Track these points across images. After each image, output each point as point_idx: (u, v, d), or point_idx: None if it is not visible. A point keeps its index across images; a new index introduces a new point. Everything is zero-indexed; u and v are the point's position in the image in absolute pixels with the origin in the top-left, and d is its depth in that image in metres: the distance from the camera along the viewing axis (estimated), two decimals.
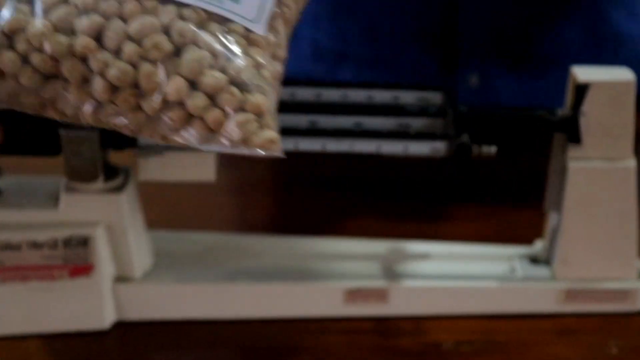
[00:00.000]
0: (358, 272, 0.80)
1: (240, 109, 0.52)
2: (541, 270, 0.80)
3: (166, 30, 0.53)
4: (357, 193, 0.97)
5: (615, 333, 0.76)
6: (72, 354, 0.74)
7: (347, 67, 1.10)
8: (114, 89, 0.52)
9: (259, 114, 0.52)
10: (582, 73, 0.74)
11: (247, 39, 0.54)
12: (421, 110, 0.76)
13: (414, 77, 1.07)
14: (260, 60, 0.54)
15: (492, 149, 0.74)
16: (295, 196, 0.96)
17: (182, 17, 0.53)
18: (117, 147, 0.73)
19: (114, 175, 0.75)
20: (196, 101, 0.52)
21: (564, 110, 0.75)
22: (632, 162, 0.75)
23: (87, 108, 0.53)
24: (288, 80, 0.76)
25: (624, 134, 0.74)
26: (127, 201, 0.75)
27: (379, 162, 1.01)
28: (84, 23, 0.52)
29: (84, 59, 0.52)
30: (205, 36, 0.53)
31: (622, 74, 0.74)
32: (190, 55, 0.52)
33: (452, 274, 0.80)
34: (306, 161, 1.00)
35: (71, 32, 0.52)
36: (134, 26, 0.52)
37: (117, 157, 0.75)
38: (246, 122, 0.52)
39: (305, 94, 0.78)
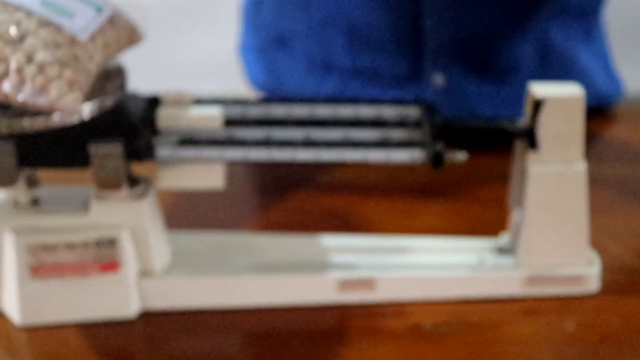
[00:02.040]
0: (349, 264, 0.80)
1: (58, 78, 0.65)
2: (507, 260, 0.80)
3: (18, 24, 0.66)
4: (348, 195, 0.97)
5: (571, 312, 0.77)
6: (103, 339, 0.74)
7: (334, 75, 1.11)
8: None
9: (70, 84, 0.66)
10: (539, 89, 0.74)
11: (72, 41, 0.67)
12: (401, 123, 0.77)
13: (389, 79, 1.08)
14: (79, 53, 0.67)
15: (463, 155, 0.74)
16: (293, 199, 0.96)
17: (30, 19, 0.66)
18: (139, 159, 0.73)
19: (136, 184, 0.75)
20: (30, 70, 0.65)
21: (523, 121, 0.75)
22: (582, 165, 0.75)
23: None
24: (285, 99, 0.78)
25: (576, 141, 0.75)
26: (148, 207, 0.75)
27: (368, 167, 1.01)
28: None
29: None
30: (43, 32, 0.66)
31: (573, 89, 0.74)
32: (30, 41, 0.65)
33: (430, 264, 0.80)
34: (302, 170, 1.00)
35: None
36: None
37: (138, 168, 0.76)
38: (60, 87, 0.65)
39: (300, 111, 0.78)
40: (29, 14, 0.67)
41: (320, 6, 1.07)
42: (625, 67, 1.25)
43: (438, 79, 1.07)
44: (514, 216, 0.80)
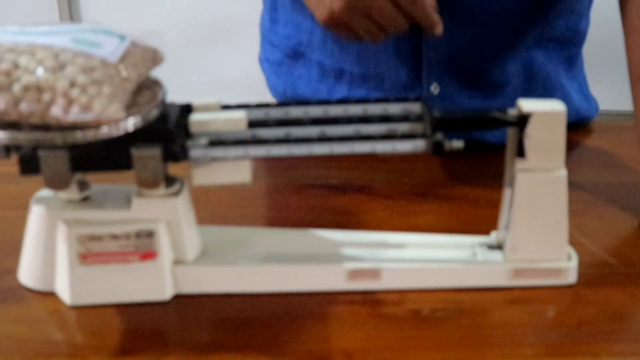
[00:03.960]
0: (357, 256, 0.80)
1: (99, 95, 0.67)
2: (496, 255, 0.80)
3: (56, 57, 0.67)
4: (357, 196, 0.97)
5: (551, 301, 0.77)
6: (141, 318, 0.75)
7: (344, 81, 1.12)
8: (25, 90, 0.66)
9: (110, 98, 0.67)
10: (526, 105, 0.74)
11: (105, 64, 0.69)
12: (405, 118, 0.76)
13: (392, 85, 1.08)
14: (112, 73, 0.69)
15: (460, 144, 0.74)
16: (307, 199, 0.97)
17: (65, 52, 0.68)
18: (175, 160, 0.73)
19: (172, 183, 0.76)
20: (74, 92, 0.66)
21: (512, 111, 0.75)
22: (563, 172, 0.75)
23: (9, 105, 0.67)
24: (303, 101, 0.78)
25: (558, 150, 0.75)
26: (182, 203, 0.76)
27: (375, 171, 1.03)
28: (6, 57, 0.67)
29: (7, 75, 0.67)
30: (79, 60, 0.68)
31: (556, 105, 0.74)
32: (70, 68, 0.67)
33: (429, 257, 0.81)
34: (315, 173, 1.01)
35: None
36: (37, 55, 0.68)
37: (174, 169, 0.76)
38: (102, 102, 0.66)
39: (316, 111, 0.78)
40: (64, 49, 0.69)
41: None
42: (600, 89, 1.26)
43: (434, 88, 1.07)
44: (503, 216, 0.80)
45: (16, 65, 0.67)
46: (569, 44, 1.12)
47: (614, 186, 0.99)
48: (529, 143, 0.75)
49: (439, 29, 0.90)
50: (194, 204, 0.80)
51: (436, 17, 0.91)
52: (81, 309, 0.76)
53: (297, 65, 1.17)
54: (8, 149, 0.72)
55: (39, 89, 0.67)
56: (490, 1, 1.03)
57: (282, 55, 1.19)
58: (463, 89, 1.09)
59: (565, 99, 1.11)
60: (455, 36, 1.05)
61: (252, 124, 0.75)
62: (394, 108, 0.79)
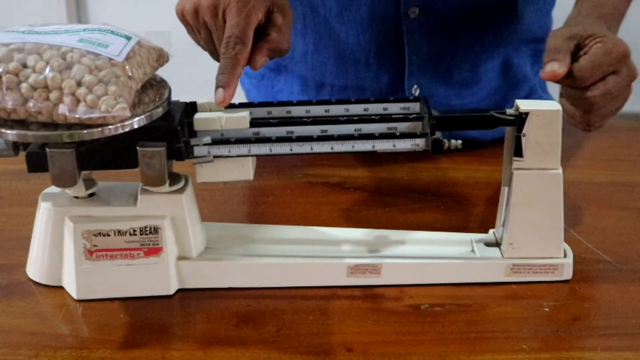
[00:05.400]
0: (358, 252, 0.81)
1: (105, 94, 0.67)
2: (493, 251, 0.80)
3: (63, 57, 0.68)
4: (357, 194, 0.97)
5: (546, 296, 0.77)
6: (146, 312, 0.76)
7: (325, 92, 1.11)
8: (33, 89, 0.67)
9: (116, 97, 0.67)
10: (523, 104, 0.74)
11: (111, 63, 0.69)
12: (404, 117, 0.76)
13: (373, 94, 1.08)
14: (118, 72, 0.69)
15: (459, 143, 0.74)
16: (310, 197, 0.96)
17: (72, 52, 0.69)
18: (179, 158, 0.73)
19: (177, 181, 0.76)
20: (81, 91, 0.67)
21: (509, 111, 0.75)
22: (559, 171, 0.76)
23: (17, 103, 0.68)
24: (304, 101, 0.78)
25: (554, 149, 0.75)
26: (186, 200, 0.76)
27: (375, 170, 1.02)
28: (15, 57, 0.68)
29: (15, 75, 0.68)
30: (85, 59, 0.68)
31: (552, 105, 0.74)
32: (77, 68, 0.68)
33: (428, 254, 0.81)
34: (318, 170, 1.01)
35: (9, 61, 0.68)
36: (45, 55, 0.68)
37: (179, 166, 0.76)
38: (108, 101, 0.67)
39: (317, 110, 0.78)
40: (71, 48, 0.69)
41: (316, 31, 1.07)
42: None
43: (414, 89, 1.07)
44: (500, 214, 0.80)
45: (24, 65, 0.68)
46: (537, 40, 1.13)
47: (608, 184, 0.99)
48: (525, 142, 0.74)
49: (218, 96, 0.75)
50: (198, 201, 0.80)
51: (226, 81, 0.76)
52: (88, 303, 0.76)
53: (279, 78, 1.16)
54: (17, 147, 0.72)
55: (46, 87, 0.67)
56: (466, 5, 1.03)
57: (264, 69, 1.18)
58: (440, 87, 1.08)
59: (534, 96, 1.12)
60: (434, 38, 1.05)
61: (255, 122, 0.76)
62: (394, 107, 0.79)
